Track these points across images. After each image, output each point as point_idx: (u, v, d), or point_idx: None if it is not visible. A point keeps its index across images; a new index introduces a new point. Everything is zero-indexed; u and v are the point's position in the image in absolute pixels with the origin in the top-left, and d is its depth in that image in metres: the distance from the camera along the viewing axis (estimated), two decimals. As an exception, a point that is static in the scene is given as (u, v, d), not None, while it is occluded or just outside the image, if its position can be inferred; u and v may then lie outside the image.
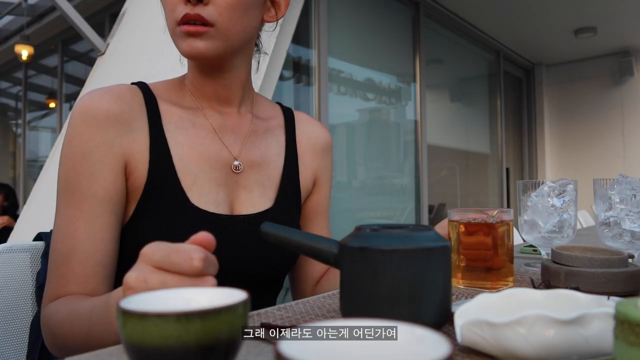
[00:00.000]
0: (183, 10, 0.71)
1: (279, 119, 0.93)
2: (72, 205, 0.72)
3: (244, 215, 0.80)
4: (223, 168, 0.80)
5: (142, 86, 0.81)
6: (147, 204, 0.74)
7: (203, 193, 0.77)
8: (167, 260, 0.46)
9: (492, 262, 0.76)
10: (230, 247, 0.76)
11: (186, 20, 0.71)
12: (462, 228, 0.78)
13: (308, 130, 0.95)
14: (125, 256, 0.76)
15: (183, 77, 0.85)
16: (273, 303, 0.87)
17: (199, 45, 0.73)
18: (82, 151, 0.72)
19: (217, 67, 0.80)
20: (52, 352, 0.72)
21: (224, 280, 0.76)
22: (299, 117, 0.96)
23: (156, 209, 0.74)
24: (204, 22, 0.72)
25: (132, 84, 0.82)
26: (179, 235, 0.72)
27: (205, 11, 0.71)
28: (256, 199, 0.83)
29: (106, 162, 0.73)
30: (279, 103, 0.99)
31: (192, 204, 0.75)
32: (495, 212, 0.77)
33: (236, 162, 0.82)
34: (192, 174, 0.77)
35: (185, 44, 0.73)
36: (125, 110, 0.75)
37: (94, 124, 0.73)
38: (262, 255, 0.79)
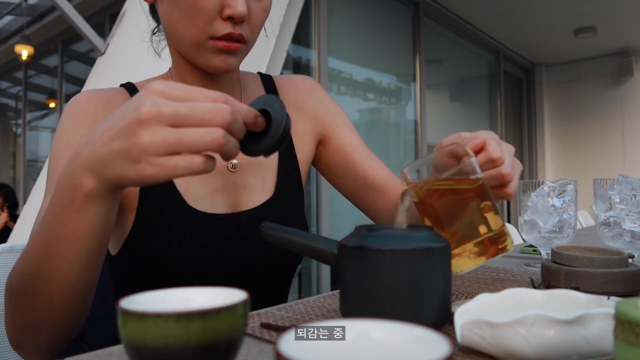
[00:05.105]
0: (224, 27, 0.69)
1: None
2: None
3: (244, 211, 0.77)
4: (218, 171, 0.77)
5: (129, 87, 0.80)
6: (145, 210, 0.72)
7: (198, 199, 0.74)
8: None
9: (477, 227, 0.58)
10: (234, 245, 0.75)
11: (229, 38, 0.69)
12: (431, 193, 0.58)
13: (291, 93, 0.89)
14: (128, 272, 0.74)
15: (168, 74, 0.82)
16: (285, 299, 0.85)
17: (232, 61, 0.72)
18: (68, 141, 0.70)
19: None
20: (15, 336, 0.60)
21: (232, 278, 0.75)
22: (279, 83, 0.90)
23: (155, 212, 0.72)
24: (241, 41, 0.71)
25: (121, 85, 0.81)
26: (180, 239, 0.71)
27: (244, 30, 0.71)
28: (257, 195, 0.80)
29: None
30: (259, 73, 0.92)
31: (190, 206, 0.73)
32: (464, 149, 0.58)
33: (234, 161, 0.78)
34: (185, 179, 0.74)
35: (218, 60, 0.71)
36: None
37: (81, 117, 0.72)
38: (268, 249, 0.75)
